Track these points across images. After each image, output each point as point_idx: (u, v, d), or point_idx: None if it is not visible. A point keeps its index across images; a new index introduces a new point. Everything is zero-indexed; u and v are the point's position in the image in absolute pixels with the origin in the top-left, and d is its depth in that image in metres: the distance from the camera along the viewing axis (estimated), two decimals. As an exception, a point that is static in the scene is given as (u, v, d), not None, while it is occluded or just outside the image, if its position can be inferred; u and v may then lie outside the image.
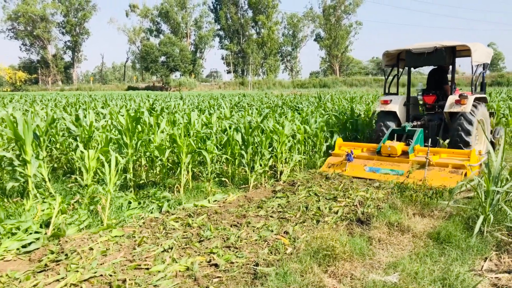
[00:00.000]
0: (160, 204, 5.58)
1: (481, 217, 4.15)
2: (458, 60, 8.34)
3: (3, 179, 6.01)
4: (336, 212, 5.13)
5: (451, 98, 7.75)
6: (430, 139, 7.07)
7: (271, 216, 5.04)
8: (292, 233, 4.40)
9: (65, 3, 78.88)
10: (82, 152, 5.76)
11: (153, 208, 5.48)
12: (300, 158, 7.74)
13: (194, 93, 38.92)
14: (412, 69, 9.10)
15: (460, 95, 7.58)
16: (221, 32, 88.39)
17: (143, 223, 4.86)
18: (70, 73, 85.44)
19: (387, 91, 9.11)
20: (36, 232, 4.33)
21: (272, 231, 4.51)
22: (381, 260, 3.77)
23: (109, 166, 5.02)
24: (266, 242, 4.20)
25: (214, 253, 3.95)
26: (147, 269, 3.63)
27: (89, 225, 4.75)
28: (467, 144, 7.42)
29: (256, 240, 4.27)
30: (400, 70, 9.18)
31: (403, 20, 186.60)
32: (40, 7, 75.56)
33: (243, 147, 6.89)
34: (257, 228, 4.64)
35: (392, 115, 8.44)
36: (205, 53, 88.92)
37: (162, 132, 6.95)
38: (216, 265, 3.69)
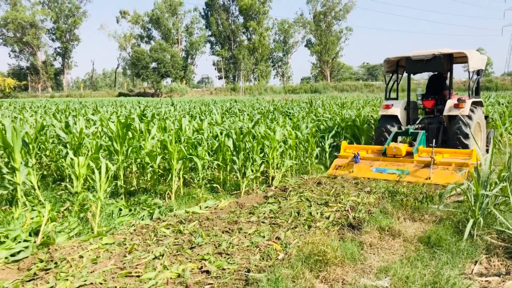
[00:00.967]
0: (151, 211, 5.55)
1: (471, 221, 4.19)
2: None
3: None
4: (328, 217, 5.13)
5: (450, 102, 8.19)
6: (434, 140, 7.46)
7: (263, 222, 5.03)
8: (283, 239, 4.40)
9: (55, 10, 78.48)
10: (72, 159, 5.72)
11: (144, 215, 5.45)
12: (291, 163, 7.76)
13: (185, 99, 38.86)
14: (411, 75, 9.48)
15: (459, 99, 8.02)
16: (212, 38, 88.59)
17: (134, 230, 4.82)
18: (60, 79, 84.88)
19: (388, 96, 9.47)
20: (25, 241, 4.27)
21: (264, 237, 4.50)
22: (373, 265, 3.78)
23: (99, 173, 4.98)
24: (258, 248, 4.19)
25: (205, 260, 3.93)
26: (138, 276, 3.60)
27: (79, 232, 4.71)
28: (465, 146, 7.77)
29: (247, 246, 4.26)
30: (400, 76, 9.60)
31: (393, 26, 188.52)
32: (30, 13, 75.10)
33: (234, 153, 6.88)
34: (249, 234, 4.63)
35: (393, 118, 8.85)
36: (196, 59, 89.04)
37: (153, 138, 6.93)
38: (207, 272, 3.67)
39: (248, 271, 3.63)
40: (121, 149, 6.21)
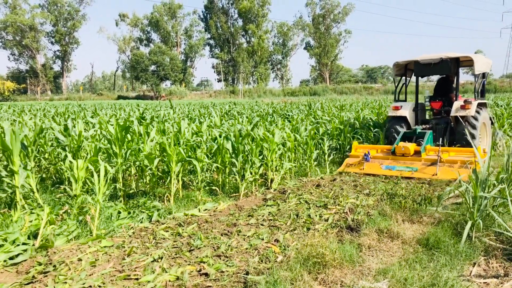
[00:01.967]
0: (150, 214, 5.54)
1: (469, 223, 4.19)
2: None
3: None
4: (327, 220, 5.13)
5: (457, 104, 8.62)
6: (441, 139, 7.98)
7: (262, 224, 5.03)
8: (282, 241, 4.40)
9: (54, 13, 78.64)
10: (71, 162, 5.72)
11: (143, 218, 5.44)
12: (290, 166, 7.76)
13: (184, 102, 38.89)
14: (419, 78, 9.89)
15: (465, 101, 8.46)
16: (212, 41, 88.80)
17: (133, 233, 4.82)
18: (60, 82, 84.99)
19: (397, 98, 9.97)
20: (23, 244, 4.27)
21: (263, 239, 4.50)
22: (371, 267, 3.78)
23: (98, 176, 4.98)
24: (257, 251, 4.19)
25: (204, 262, 3.92)
26: (137, 279, 3.60)
27: (78, 235, 4.70)
28: (471, 146, 7.99)
29: (246, 248, 4.26)
30: (408, 78, 10.06)
31: (392, 29, 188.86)
32: (29, 16, 75.21)
33: (233, 155, 6.89)
34: (248, 236, 4.63)
35: (402, 119, 9.32)
36: (195, 62, 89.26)
37: (152, 141, 6.93)
38: (206, 274, 3.67)
39: (247, 273, 3.63)
40: (120, 152, 6.21)
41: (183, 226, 5.01)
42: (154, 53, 74.97)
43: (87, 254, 4.13)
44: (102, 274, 3.69)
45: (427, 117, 10.48)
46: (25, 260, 3.99)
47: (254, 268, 3.72)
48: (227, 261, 3.96)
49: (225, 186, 7.06)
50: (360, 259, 3.92)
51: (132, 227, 5.03)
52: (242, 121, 10.24)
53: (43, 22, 78.14)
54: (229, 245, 4.34)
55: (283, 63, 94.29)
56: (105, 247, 4.36)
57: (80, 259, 4.00)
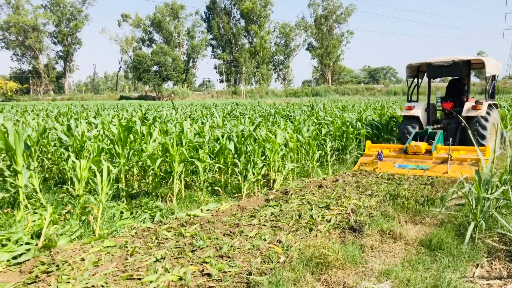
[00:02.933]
0: (152, 214, 5.55)
1: (472, 224, 4.18)
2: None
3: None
4: (329, 220, 5.13)
5: (468, 104, 9.00)
6: (451, 138, 8.26)
7: (264, 225, 5.03)
8: (285, 242, 4.40)
9: (57, 13, 78.77)
10: (73, 162, 5.73)
11: (145, 218, 5.45)
12: (293, 166, 7.76)
13: (186, 102, 38.91)
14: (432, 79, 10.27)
15: (476, 101, 8.85)
16: (214, 42, 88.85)
17: (136, 233, 4.83)
18: (62, 83, 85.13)
19: (409, 99, 10.35)
20: (27, 243, 4.29)
21: (265, 239, 4.50)
22: (374, 268, 3.77)
23: (101, 176, 4.99)
24: (259, 251, 4.19)
25: (206, 263, 3.93)
26: (140, 279, 3.60)
27: (81, 235, 4.71)
28: (482, 146, 8.43)
29: (249, 249, 4.26)
30: (420, 80, 10.41)
31: (394, 30, 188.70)
32: (32, 17, 75.37)
33: (235, 156, 6.89)
34: (250, 237, 4.63)
35: (415, 119, 9.69)
36: (197, 62, 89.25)
37: (155, 141, 6.94)
38: (209, 275, 3.67)
39: (250, 274, 3.63)
40: (123, 152, 6.22)
41: (185, 227, 5.01)
42: (156, 53, 75.06)
43: (90, 254, 4.14)
44: (105, 274, 3.70)
45: (438, 117, 10.82)
46: (28, 260, 4.00)
47: (256, 268, 3.72)
48: (229, 261, 3.96)
49: (228, 186, 7.06)
50: (362, 260, 3.91)
51: (134, 227, 5.04)
52: (245, 122, 10.24)
53: (46, 23, 78.34)
54: (231, 246, 4.35)
55: (285, 64, 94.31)
56: (107, 247, 4.37)
57: (83, 259, 4.01)
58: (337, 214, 5.35)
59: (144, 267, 3.84)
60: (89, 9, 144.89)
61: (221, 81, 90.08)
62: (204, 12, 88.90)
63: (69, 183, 6.61)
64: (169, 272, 3.72)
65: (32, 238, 4.43)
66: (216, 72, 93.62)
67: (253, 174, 6.92)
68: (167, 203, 6.09)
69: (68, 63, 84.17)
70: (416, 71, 10.18)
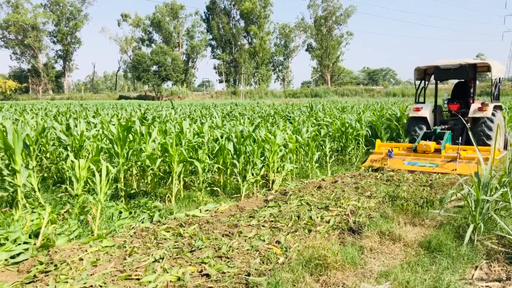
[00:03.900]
0: (151, 214, 5.54)
1: (471, 226, 4.18)
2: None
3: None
4: (328, 221, 5.12)
5: (474, 106, 9.34)
6: (460, 138, 8.67)
7: (263, 226, 5.02)
8: (284, 243, 4.39)
9: (56, 12, 78.70)
10: (72, 161, 5.71)
11: (144, 218, 5.44)
12: (292, 167, 7.76)
13: (186, 102, 38.90)
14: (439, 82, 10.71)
15: (482, 103, 9.19)
16: (213, 42, 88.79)
17: (134, 233, 4.82)
18: (61, 82, 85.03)
19: (417, 100, 10.78)
20: (25, 243, 4.27)
21: (264, 240, 4.49)
22: (373, 269, 3.77)
23: (100, 175, 4.98)
24: (258, 252, 4.18)
25: (205, 263, 3.92)
26: (138, 279, 3.59)
27: (79, 235, 4.70)
28: (487, 146, 8.76)
29: (247, 249, 4.25)
30: (427, 82, 10.79)
31: (393, 31, 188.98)
32: (31, 16, 75.29)
33: (235, 156, 6.88)
34: (249, 237, 4.62)
35: (422, 120, 10.05)
36: (197, 62, 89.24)
37: (154, 141, 6.93)
38: (207, 275, 3.66)
39: (248, 274, 3.62)
40: (122, 151, 6.21)
41: (184, 227, 5.00)
42: (156, 53, 75.01)
43: (88, 253, 4.13)
44: (103, 274, 3.69)
45: (444, 118, 11.17)
46: (26, 259, 3.99)
47: (255, 269, 3.71)
48: (228, 262, 3.95)
49: (227, 187, 7.05)
50: (362, 261, 3.91)
51: (133, 227, 5.03)
52: (244, 122, 10.23)
53: (45, 22, 78.27)
54: (230, 246, 4.34)
55: (284, 65, 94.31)
56: (106, 247, 4.36)
57: (81, 259, 3.99)
58: (336, 215, 5.34)
59: (143, 267, 3.83)
60: (88, 8, 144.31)
61: (221, 81, 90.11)
62: (204, 12, 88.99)
63: (67, 182, 6.59)
64: (167, 272, 3.72)
65: (30, 237, 4.41)
66: (216, 73, 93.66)
67: (252, 174, 6.92)
68: (166, 203, 6.08)
69: (67, 63, 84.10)
70: (423, 73, 10.49)
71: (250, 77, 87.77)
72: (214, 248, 4.32)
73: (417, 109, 10.06)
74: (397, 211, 5.33)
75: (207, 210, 5.82)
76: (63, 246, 4.29)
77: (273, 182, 7.33)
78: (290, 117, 14.58)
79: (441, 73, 9.78)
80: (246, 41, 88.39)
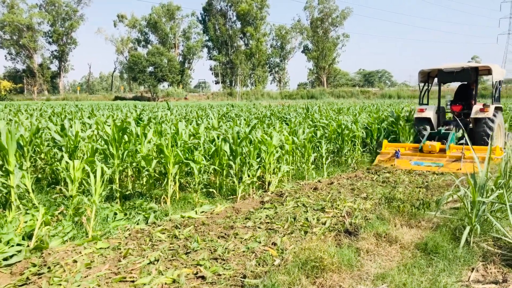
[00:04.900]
0: (146, 215, 5.50)
1: (468, 228, 4.17)
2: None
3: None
4: (324, 223, 5.10)
5: (476, 107, 9.69)
6: (465, 139, 8.68)
7: (259, 227, 4.99)
8: (280, 244, 4.36)
9: (52, 13, 78.36)
10: (67, 162, 5.66)
11: (139, 220, 5.39)
12: (288, 168, 7.74)
13: (182, 104, 38.82)
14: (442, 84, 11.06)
15: (484, 105, 9.54)
16: (210, 43, 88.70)
17: (129, 234, 4.78)
18: (57, 82, 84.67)
19: (421, 102, 11.09)
20: (18, 244, 4.22)
21: (260, 242, 4.46)
22: (369, 272, 3.75)
23: (95, 176, 4.94)
24: (254, 254, 4.15)
25: (201, 265, 3.89)
26: (133, 281, 3.55)
27: (73, 237, 4.65)
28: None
29: (243, 251, 4.22)
30: (430, 84, 11.16)
31: (389, 33, 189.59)
32: (27, 16, 74.90)
33: (231, 157, 6.85)
34: (245, 239, 4.59)
35: (426, 120, 10.41)
36: (193, 63, 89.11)
37: (149, 142, 6.88)
38: (203, 277, 3.63)
39: (244, 277, 3.59)
40: (117, 152, 6.16)
41: (179, 228, 4.96)
42: (152, 54, 74.87)
43: (82, 255, 4.09)
44: (98, 276, 3.64)
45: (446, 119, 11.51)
46: (19, 261, 3.94)
47: (251, 271, 3.69)
48: (224, 264, 3.92)
49: (222, 188, 7.02)
50: (358, 263, 3.88)
51: (128, 229, 4.99)
52: (240, 124, 10.20)
53: (41, 22, 77.90)
54: (226, 248, 4.31)
55: (281, 66, 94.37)
56: (100, 248, 4.31)
57: (75, 261, 3.95)
58: (332, 217, 5.33)
59: (138, 270, 3.79)
60: (84, 9, 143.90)
61: (217, 82, 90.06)
62: (200, 14, 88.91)
63: (62, 183, 6.54)
64: (162, 274, 3.68)
65: (23, 239, 4.36)
66: (212, 74, 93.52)
67: (248, 176, 6.89)
68: (161, 204, 6.04)
69: (63, 63, 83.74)
70: (427, 76, 10.85)
71: (246, 79, 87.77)
72: (210, 250, 4.28)
73: (421, 111, 10.43)
74: (394, 213, 5.31)
75: (202, 211, 5.78)
76: (57, 248, 4.25)
77: (269, 183, 7.30)
78: (287, 118, 14.58)
79: (445, 76, 10.16)
80: (242, 43, 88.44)
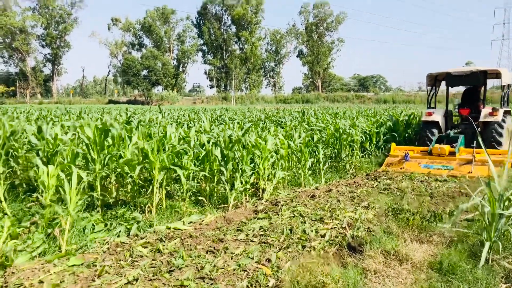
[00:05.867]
0: (128, 226, 5.00)
1: (487, 244, 3.71)
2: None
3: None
4: (323, 236, 4.64)
5: (485, 111, 9.64)
6: (475, 142, 8.48)
7: (252, 241, 4.52)
8: (274, 261, 3.90)
9: (45, 16, 77.59)
10: (38, 167, 5.15)
11: (120, 231, 4.90)
12: (283, 175, 7.26)
13: (175, 107, 38.31)
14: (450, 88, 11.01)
15: (493, 108, 9.48)
16: (204, 47, 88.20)
17: (108, 248, 4.30)
18: (50, 86, 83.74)
19: (429, 105, 11.11)
20: (-23, 262, 3.72)
21: (253, 258, 3.99)
22: (378, 296, 3.27)
23: (70, 183, 4.44)
24: (246, 272, 3.69)
25: (185, 286, 3.42)
26: (105, 307, 3.06)
27: (44, 251, 4.16)
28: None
29: (234, 269, 3.75)
30: (437, 88, 11.19)
31: (384, 38, 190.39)
32: (20, 19, 74.08)
33: (222, 163, 6.38)
34: (236, 254, 4.12)
35: (435, 124, 10.29)
36: (188, 67, 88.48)
37: (134, 146, 6.38)
38: (186, 302, 3.15)
39: (234, 302, 3.11)
40: (99, 157, 5.66)
41: (164, 242, 4.49)
42: (146, 57, 74.28)
43: (51, 274, 3.60)
44: (64, 301, 3.15)
45: (454, 122, 11.53)
46: (-24, 283, 3.44)
47: (242, 295, 3.20)
48: (211, 284, 3.47)
49: (213, 196, 6.53)
50: (365, 287, 3.40)
51: (107, 242, 4.51)
52: (233, 127, 9.71)
53: (34, 25, 77.07)
54: (214, 265, 3.85)
55: (275, 71, 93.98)
56: (73, 265, 3.83)
57: (41, 281, 3.46)
58: (332, 228, 4.87)
59: (112, 292, 3.30)
60: (78, 12, 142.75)
61: (211, 86, 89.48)
62: (195, 18, 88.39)
63: (39, 191, 6.01)
64: (140, 298, 3.19)
65: (-16, 255, 3.86)
66: (207, 78, 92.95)
67: (241, 182, 6.41)
68: (146, 214, 5.55)
69: (56, 66, 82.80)
70: (434, 80, 10.87)
71: (241, 83, 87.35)
72: (196, 267, 3.81)
73: (429, 114, 10.34)
74: (402, 226, 4.82)
75: (190, 222, 5.30)
76: (23, 265, 3.75)
77: (263, 190, 6.82)
78: (282, 122, 14.11)
79: (453, 79, 10.17)
80: (237, 47, 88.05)
